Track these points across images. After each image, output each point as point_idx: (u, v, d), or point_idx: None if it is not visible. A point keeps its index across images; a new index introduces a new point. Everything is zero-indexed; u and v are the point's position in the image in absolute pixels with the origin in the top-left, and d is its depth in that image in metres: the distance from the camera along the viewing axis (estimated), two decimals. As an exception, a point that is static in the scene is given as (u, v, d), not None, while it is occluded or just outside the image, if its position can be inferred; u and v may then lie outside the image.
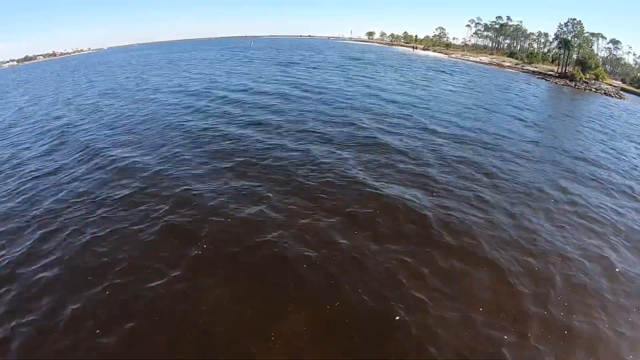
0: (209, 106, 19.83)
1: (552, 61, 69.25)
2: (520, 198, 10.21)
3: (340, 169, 11.18)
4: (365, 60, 53.45)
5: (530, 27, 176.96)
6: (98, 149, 13.72)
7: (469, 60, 73.03)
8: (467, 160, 12.63)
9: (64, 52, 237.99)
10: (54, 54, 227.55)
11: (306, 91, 23.87)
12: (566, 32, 60.30)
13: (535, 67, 63.13)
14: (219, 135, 14.51)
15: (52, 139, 15.73)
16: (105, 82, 34.94)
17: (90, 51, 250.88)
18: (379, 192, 9.71)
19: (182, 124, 16.39)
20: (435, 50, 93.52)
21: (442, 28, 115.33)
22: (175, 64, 50.35)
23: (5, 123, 20.20)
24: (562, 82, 47.49)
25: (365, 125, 15.93)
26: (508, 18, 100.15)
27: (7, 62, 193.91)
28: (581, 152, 15.62)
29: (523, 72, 59.11)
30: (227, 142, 13.68)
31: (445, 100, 23.87)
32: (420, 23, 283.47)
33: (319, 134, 14.61)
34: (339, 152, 12.64)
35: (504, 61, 71.84)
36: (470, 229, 8.32)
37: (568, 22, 60.32)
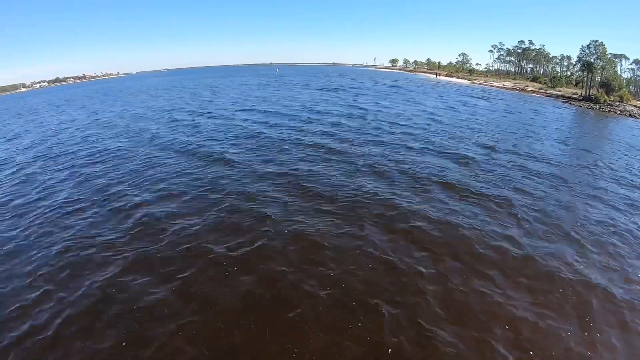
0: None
1: (576, 84, 71.04)
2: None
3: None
4: (401, 87, 58.16)
5: (553, 50, 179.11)
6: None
7: (491, 86, 75.69)
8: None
9: (93, 75, 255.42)
10: (84, 77, 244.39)
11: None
12: (588, 55, 62.10)
13: (559, 91, 65.08)
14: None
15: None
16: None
17: (119, 75, 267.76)
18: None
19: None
20: (458, 77, 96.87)
21: (465, 54, 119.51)
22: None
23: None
24: (587, 105, 49.37)
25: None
26: (530, 42, 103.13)
27: (39, 82, 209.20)
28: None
29: (547, 96, 61.15)
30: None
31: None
32: (443, 49, 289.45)
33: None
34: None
35: (527, 86, 74.09)
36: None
37: (590, 44, 62.20)
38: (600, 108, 46.86)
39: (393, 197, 12.07)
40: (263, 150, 17.92)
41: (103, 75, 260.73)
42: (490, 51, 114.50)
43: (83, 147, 20.69)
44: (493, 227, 10.25)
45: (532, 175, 15.24)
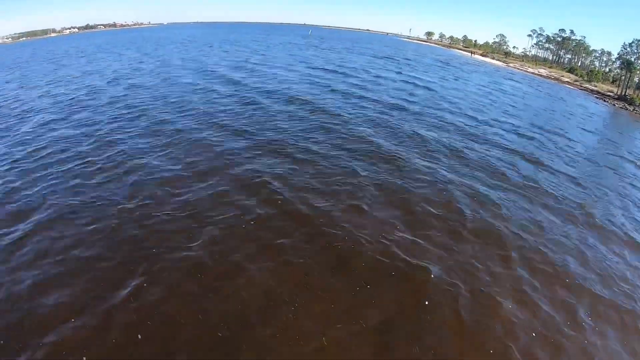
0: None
1: (613, 82, 71.07)
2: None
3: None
4: (443, 61, 59.81)
5: (594, 43, 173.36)
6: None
7: (526, 72, 75.85)
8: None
9: (124, 23, 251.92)
10: (114, 25, 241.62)
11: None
12: (629, 53, 61.98)
13: (595, 86, 65.48)
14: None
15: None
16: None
17: (150, 25, 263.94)
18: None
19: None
20: (493, 58, 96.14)
21: (503, 35, 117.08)
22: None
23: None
24: (621, 104, 50.48)
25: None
26: (571, 32, 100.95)
27: (69, 28, 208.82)
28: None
29: (581, 89, 61.83)
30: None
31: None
32: (481, 27, 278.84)
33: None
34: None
35: (562, 76, 74.20)
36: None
37: (633, 42, 61.87)
38: (634, 110, 48.15)
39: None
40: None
41: (134, 24, 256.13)
42: (529, 35, 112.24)
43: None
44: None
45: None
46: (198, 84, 23.32)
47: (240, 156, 11.92)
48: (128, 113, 16.73)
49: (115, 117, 16.11)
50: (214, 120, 15.72)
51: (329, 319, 5.93)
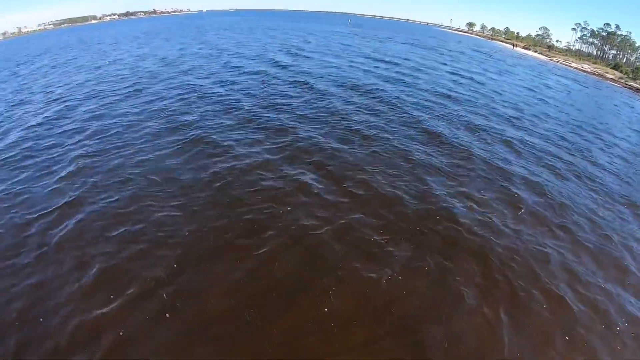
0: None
1: (659, 80, 70.05)
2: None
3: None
4: (486, 53, 61.49)
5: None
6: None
7: (570, 67, 75.63)
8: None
9: (163, 10, 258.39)
10: (154, 12, 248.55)
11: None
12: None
13: (640, 84, 65.05)
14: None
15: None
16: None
17: (189, 12, 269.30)
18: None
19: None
20: (536, 51, 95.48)
21: (546, 28, 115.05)
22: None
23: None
24: (664, 103, 50.93)
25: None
26: (617, 27, 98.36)
27: (109, 15, 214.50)
28: None
29: (626, 87, 61.73)
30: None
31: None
32: (523, 18, 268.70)
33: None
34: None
35: (606, 72, 73.64)
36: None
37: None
38: (677, 108, 48.73)
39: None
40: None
41: (173, 11, 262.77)
42: (573, 29, 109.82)
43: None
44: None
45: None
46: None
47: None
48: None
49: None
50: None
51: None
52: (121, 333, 5.72)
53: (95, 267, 6.95)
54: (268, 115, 15.57)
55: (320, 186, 10.01)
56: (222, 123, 14.43)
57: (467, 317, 6.53)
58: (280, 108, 16.62)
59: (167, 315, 6.03)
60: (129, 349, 5.51)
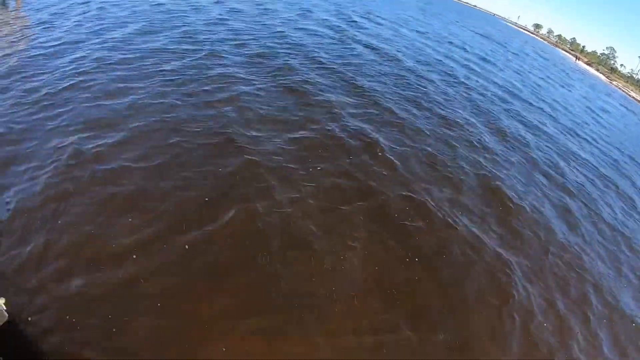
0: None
1: None
2: None
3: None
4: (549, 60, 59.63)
5: None
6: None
7: (629, 95, 73.02)
8: None
9: None
10: None
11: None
12: None
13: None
14: None
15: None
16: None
17: None
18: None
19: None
20: (597, 70, 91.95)
21: (613, 49, 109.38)
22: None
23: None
24: None
25: None
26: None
27: None
28: None
29: (679, 129, 60.26)
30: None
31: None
32: (591, 31, 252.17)
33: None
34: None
35: (664, 110, 71.21)
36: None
37: None
38: None
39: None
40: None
41: None
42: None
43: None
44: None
45: None
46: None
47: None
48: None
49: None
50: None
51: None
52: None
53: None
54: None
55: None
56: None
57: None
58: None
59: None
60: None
